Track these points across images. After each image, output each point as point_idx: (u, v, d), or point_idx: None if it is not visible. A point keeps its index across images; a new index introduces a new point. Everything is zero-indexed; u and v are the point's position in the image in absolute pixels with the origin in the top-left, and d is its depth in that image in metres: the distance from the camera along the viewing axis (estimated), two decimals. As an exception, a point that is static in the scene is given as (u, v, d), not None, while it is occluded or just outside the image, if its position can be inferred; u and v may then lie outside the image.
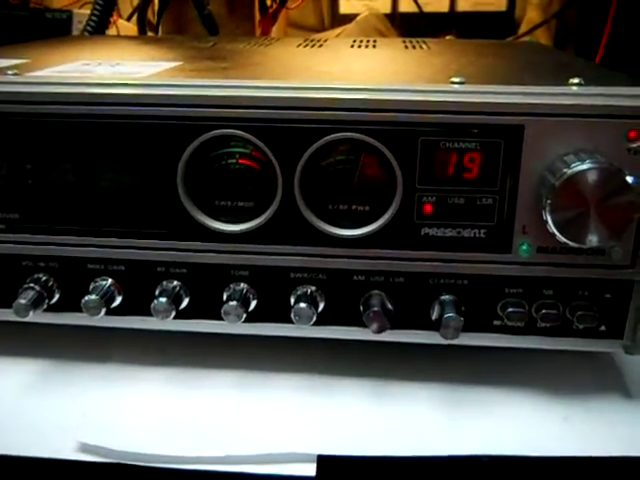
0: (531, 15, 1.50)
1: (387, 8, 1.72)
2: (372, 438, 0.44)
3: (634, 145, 0.42)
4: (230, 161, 0.45)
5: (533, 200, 0.43)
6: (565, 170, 0.40)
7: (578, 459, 0.42)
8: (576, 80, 0.44)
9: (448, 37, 1.51)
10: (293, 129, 0.43)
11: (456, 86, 0.44)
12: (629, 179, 0.40)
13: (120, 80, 0.46)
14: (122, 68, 0.51)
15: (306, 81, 0.45)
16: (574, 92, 0.43)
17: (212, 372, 0.50)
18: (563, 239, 0.41)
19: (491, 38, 0.97)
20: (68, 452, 0.42)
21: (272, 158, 0.44)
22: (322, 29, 1.71)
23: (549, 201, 0.41)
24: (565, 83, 0.44)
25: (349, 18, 1.61)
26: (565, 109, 0.42)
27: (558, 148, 0.42)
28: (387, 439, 0.44)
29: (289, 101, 0.43)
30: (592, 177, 0.40)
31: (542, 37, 1.48)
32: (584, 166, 0.40)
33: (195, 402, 0.47)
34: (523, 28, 1.52)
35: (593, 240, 0.41)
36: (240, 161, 0.45)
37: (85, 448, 0.43)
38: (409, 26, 1.62)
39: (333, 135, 0.43)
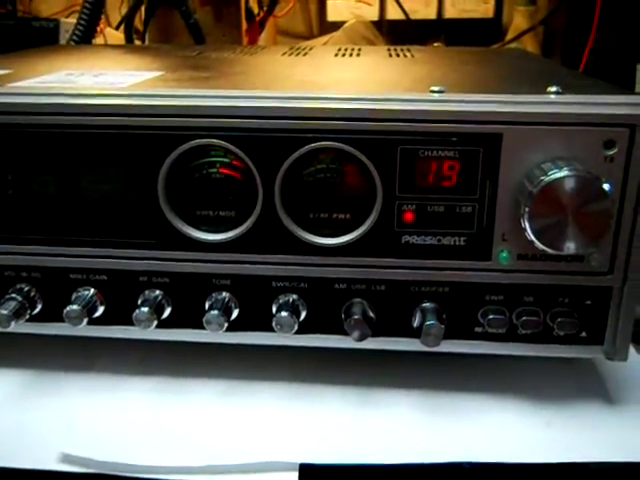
0: (518, 22, 1.51)
1: (375, 15, 1.73)
2: (354, 446, 0.44)
3: (610, 153, 0.42)
4: (211, 170, 0.45)
5: (512, 208, 0.43)
6: (542, 177, 0.41)
7: (560, 465, 0.43)
8: (554, 88, 0.44)
9: (436, 44, 1.51)
10: (273, 138, 0.43)
11: (435, 95, 0.44)
12: (606, 186, 0.40)
13: (101, 91, 0.46)
14: (104, 78, 0.51)
15: (287, 90, 0.46)
16: (551, 100, 0.43)
17: (195, 381, 0.50)
18: (541, 246, 0.42)
19: (479, 45, 0.98)
20: (51, 463, 0.42)
21: (252, 167, 0.44)
22: (311, 36, 1.72)
23: (527, 208, 0.41)
24: (543, 91, 0.44)
25: (337, 25, 1.61)
26: (542, 117, 0.42)
27: (536, 156, 0.42)
28: (369, 447, 0.44)
29: (269, 110, 0.43)
30: (569, 184, 0.40)
31: (529, 44, 1.49)
32: (561, 173, 0.40)
33: (178, 411, 0.47)
34: (510, 35, 1.53)
35: (571, 247, 0.41)
36: (221, 170, 0.45)
37: (68, 459, 0.43)
38: (397, 33, 1.63)
39: (313, 144, 0.43)
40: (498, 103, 0.43)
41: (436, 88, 0.45)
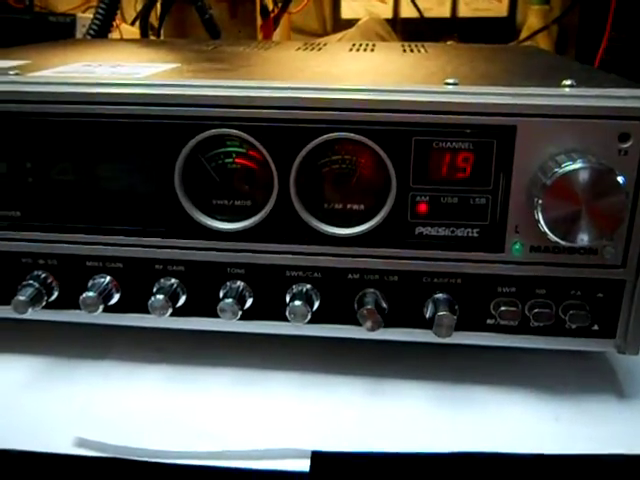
0: (532, 21, 1.51)
1: (388, 13, 1.73)
2: (365, 435, 0.44)
3: (625, 146, 0.42)
4: (227, 160, 0.45)
5: (525, 200, 0.43)
6: (556, 169, 0.41)
7: (569, 457, 0.43)
8: (568, 82, 0.44)
9: (449, 42, 1.52)
10: (289, 129, 0.44)
11: (450, 87, 0.44)
12: (620, 179, 0.40)
13: (118, 80, 0.46)
14: (121, 69, 0.52)
15: (302, 82, 0.46)
16: (566, 93, 0.43)
17: (208, 369, 0.50)
18: (554, 238, 0.42)
19: (492, 43, 0.98)
20: (66, 447, 0.43)
21: (268, 157, 0.44)
22: (324, 33, 1.72)
23: (540, 200, 0.41)
24: (557, 85, 0.44)
25: (351, 23, 1.62)
26: (556, 110, 0.42)
27: (550, 148, 0.42)
28: (380, 436, 0.44)
29: (285, 101, 0.44)
30: (583, 177, 0.40)
31: (543, 42, 1.49)
32: (575, 166, 0.40)
33: (191, 398, 0.47)
34: (524, 33, 1.53)
35: (584, 239, 0.41)
36: (236, 160, 0.45)
37: (83, 443, 0.43)
38: (410, 31, 1.63)
39: (328, 135, 0.43)
40: (512, 95, 0.43)
41: (450, 80, 0.45)
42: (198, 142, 0.45)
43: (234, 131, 0.44)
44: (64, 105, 0.45)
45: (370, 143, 0.43)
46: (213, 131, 0.44)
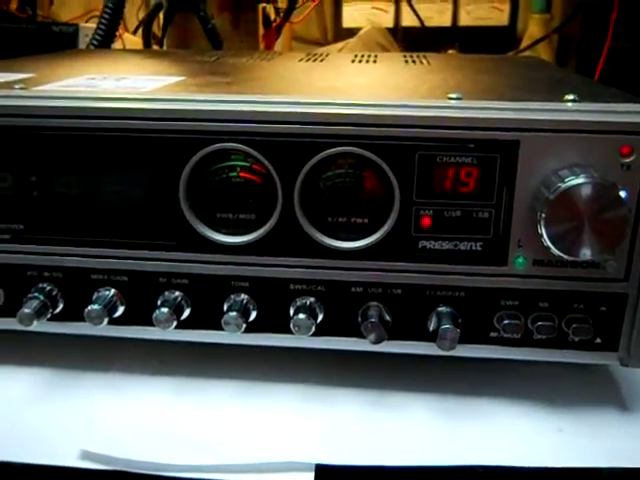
0: (532, 30, 1.52)
1: (390, 22, 1.74)
2: (370, 448, 0.44)
3: (627, 160, 0.42)
4: (231, 174, 0.46)
5: (528, 214, 0.44)
6: (559, 184, 0.41)
7: (574, 470, 0.43)
8: (571, 96, 0.45)
9: (450, 51, 1.52)
10: (293, 143, 0.44)
11: (453, 102, 0.45)
12: (622, 194, 0.41)
13: (123, 94, 0.47)
14: (126, 82, 0.52)
15: (306, 96, 0.46)
16: (569, 108, 0.44)
17: (212, 382, 0.50)
18: (557, 252, 0.42)
19: (493, 52, 0.98)
20: (71, 459, 0.43)
21: (272, 171, 0.44)
22: (326, 43, 1.73)
23: (544, 215, 0.41)
24: (560, 99, 0.45)
25: (352, 32, 1.63)
26: (560, 125, 0.42)
27: (553, 163, 0.43)
28: (384, 449, 0.44)
29: (289, 116, 0.44)
30: (586, 191, 0.40)
31: (544, 51, 1.50)
32: (578, 180, 0.41)
33: (195, 411, 0.47)
34: (525, 42, 1.53)
35: (587, 253, 0.42)
36: (241, 174, 0.46)
37: (88, 456, 0.43)
38: (411, 40, 1.64)
39: (332, 149, 0.44)
40: (515, 110, 0.43)
41: (454, 95, 0.45)
42: (203, 156, 0.45)
43: (239, 145, 0.44)
44: (69, 119, 0.45)
45: (374, 157, 0.44)
46: (218, 145, 0.44)
